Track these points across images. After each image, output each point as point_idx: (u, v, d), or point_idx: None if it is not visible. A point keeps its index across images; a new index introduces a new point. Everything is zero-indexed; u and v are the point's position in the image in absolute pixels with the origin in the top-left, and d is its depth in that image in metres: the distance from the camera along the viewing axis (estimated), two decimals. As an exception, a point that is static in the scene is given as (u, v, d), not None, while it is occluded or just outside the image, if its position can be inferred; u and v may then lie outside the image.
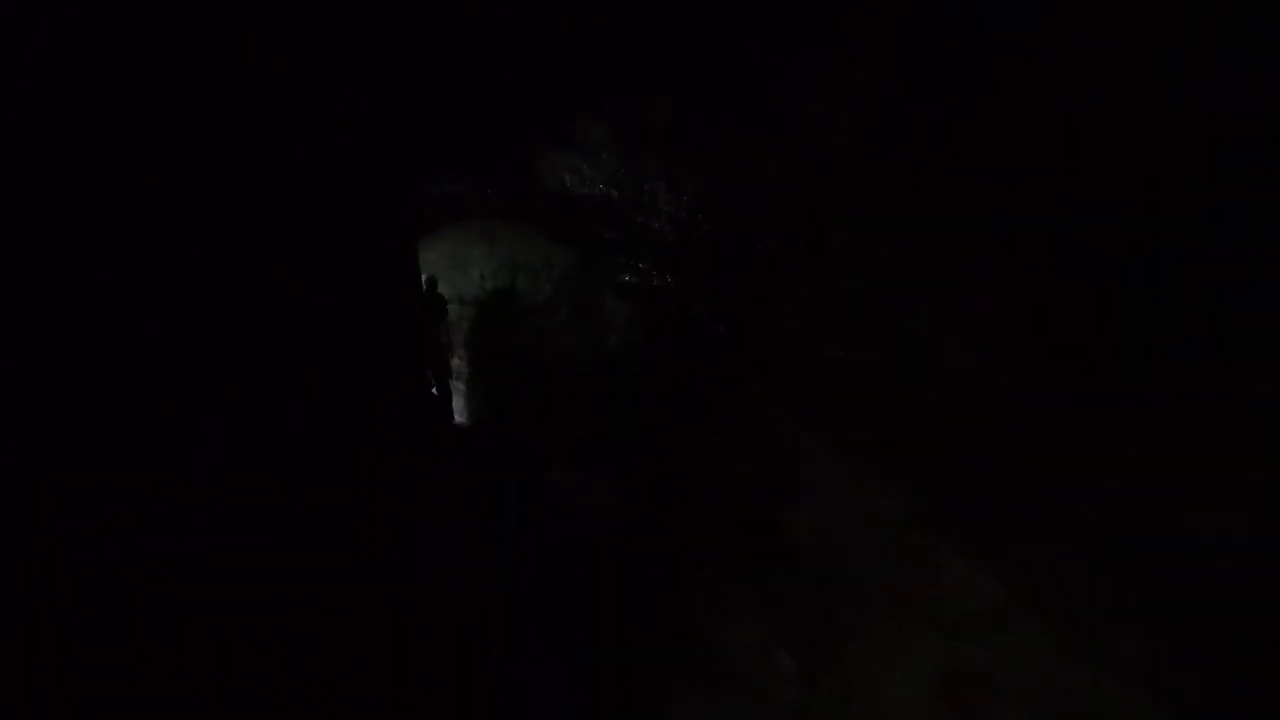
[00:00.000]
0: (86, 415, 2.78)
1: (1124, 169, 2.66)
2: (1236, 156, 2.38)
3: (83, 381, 2.77)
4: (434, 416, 8.00)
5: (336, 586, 3.74)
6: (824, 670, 4.42)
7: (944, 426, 3.90)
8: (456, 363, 10.20)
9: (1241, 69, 2.34)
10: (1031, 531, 3.50)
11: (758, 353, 5.91)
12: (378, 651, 3.83)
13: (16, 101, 2.44)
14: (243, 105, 3.30)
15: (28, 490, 2.56)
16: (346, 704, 3.59)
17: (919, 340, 3.95)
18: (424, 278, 9.37)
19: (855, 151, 3.71)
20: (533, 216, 7.82)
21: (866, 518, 4.53)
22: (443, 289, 9.67)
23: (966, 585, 3.88)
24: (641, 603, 5.38)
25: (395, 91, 4.10)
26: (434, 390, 9.32)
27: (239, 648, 3.21)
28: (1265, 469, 2.53)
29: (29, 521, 2.55)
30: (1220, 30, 2.38)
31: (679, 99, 4.25)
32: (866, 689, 4.21)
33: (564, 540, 6.06)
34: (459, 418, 9.76)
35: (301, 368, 3.81)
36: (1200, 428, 2.70)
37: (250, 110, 3.34)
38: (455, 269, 10.26)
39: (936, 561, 4.04)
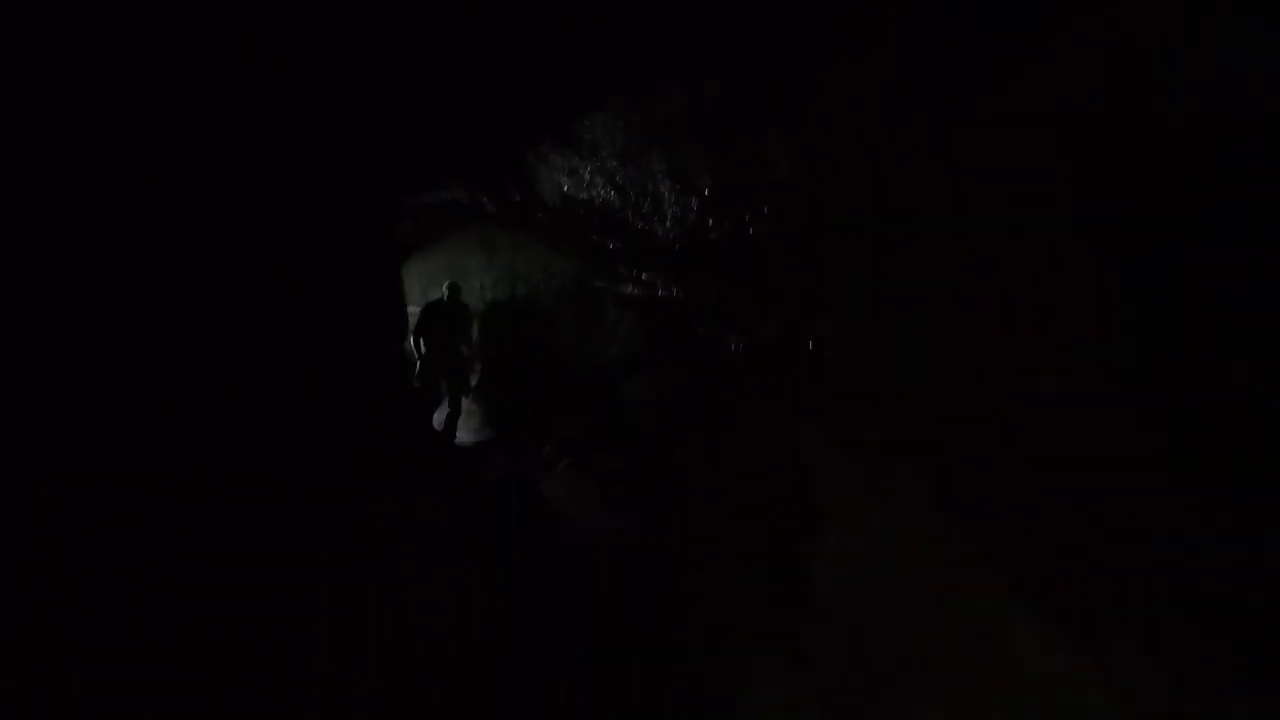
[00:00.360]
0: (86, 416, 2.76)
1: (1124, 169, 2.63)
2: (1236, 156, 2.35)
3: (83, 382, 2.76)
4: (428, 430, 7.87)
5: (324, 597, 3.67)
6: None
7: (964, 439, 3.55)
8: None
9: (1241, 69, 2.32)
10: (1085, 565, 3.03)
11: (767, 363, 5.73)
12: (355, 686, 3.70)
13: (17, 101, 2.42)
14: (244, 106, 3.29)
15: (28, 490, 2.53)
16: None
17: (929, 346, 3.74)
18: (446, 284, 9.44)
19: (855, 152, 3.71)
20: (531, 224, 7.68)
21: (901, 553, 3.94)
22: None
23: (1031, 644, 3.18)
24: (641, 644, 4.99)
25: (391, 92, 4.03)
26: (449, 406, 9.31)
27: (235, 651, 3.18)
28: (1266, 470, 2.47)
29: (29, 521, 2.53)
30: (1220, 30, 2.36)
31: (680, 100, 4.22)
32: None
33: (559, 560, 5.88)
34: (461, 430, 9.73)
35: (294, 371, 3.78)
36: (1200, 428, 2.64)
37: (250, 111, 3.33)
38: (455, 278, 10.09)
39: (994, 614, 3.35)
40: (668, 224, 5.49)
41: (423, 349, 9.17)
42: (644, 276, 6.93)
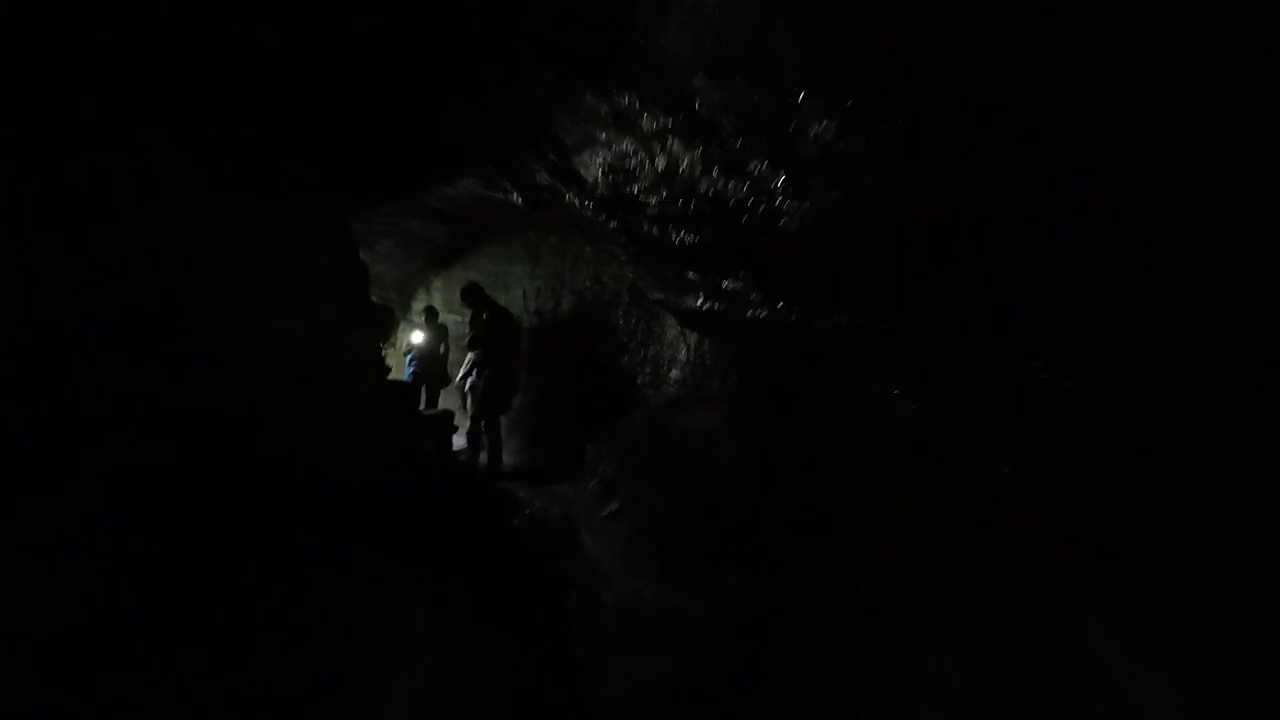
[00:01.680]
0: (86, 416, 2.73)
1: (1123, 168, 2.31)
2: (1236, 156, 2.08)
3: (82, 383, 2.73)
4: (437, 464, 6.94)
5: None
6: None
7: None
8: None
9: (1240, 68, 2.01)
10: None
11: (970, 444, 4.10)
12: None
13: (17, 101, 2.46)
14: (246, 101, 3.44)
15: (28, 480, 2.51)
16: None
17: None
18: (460, 288, 9.15)
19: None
20: (565, 217, 6.34)
21: None
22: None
23: None
24: None
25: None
26: (486, 432, 8.76)
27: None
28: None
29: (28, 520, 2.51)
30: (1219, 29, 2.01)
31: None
32: None
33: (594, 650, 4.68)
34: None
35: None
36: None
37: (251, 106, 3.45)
38: (497, 287, 9.80)
39: None
40: (799, 182, 3.25)
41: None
42: (726, 285, 4.99)
